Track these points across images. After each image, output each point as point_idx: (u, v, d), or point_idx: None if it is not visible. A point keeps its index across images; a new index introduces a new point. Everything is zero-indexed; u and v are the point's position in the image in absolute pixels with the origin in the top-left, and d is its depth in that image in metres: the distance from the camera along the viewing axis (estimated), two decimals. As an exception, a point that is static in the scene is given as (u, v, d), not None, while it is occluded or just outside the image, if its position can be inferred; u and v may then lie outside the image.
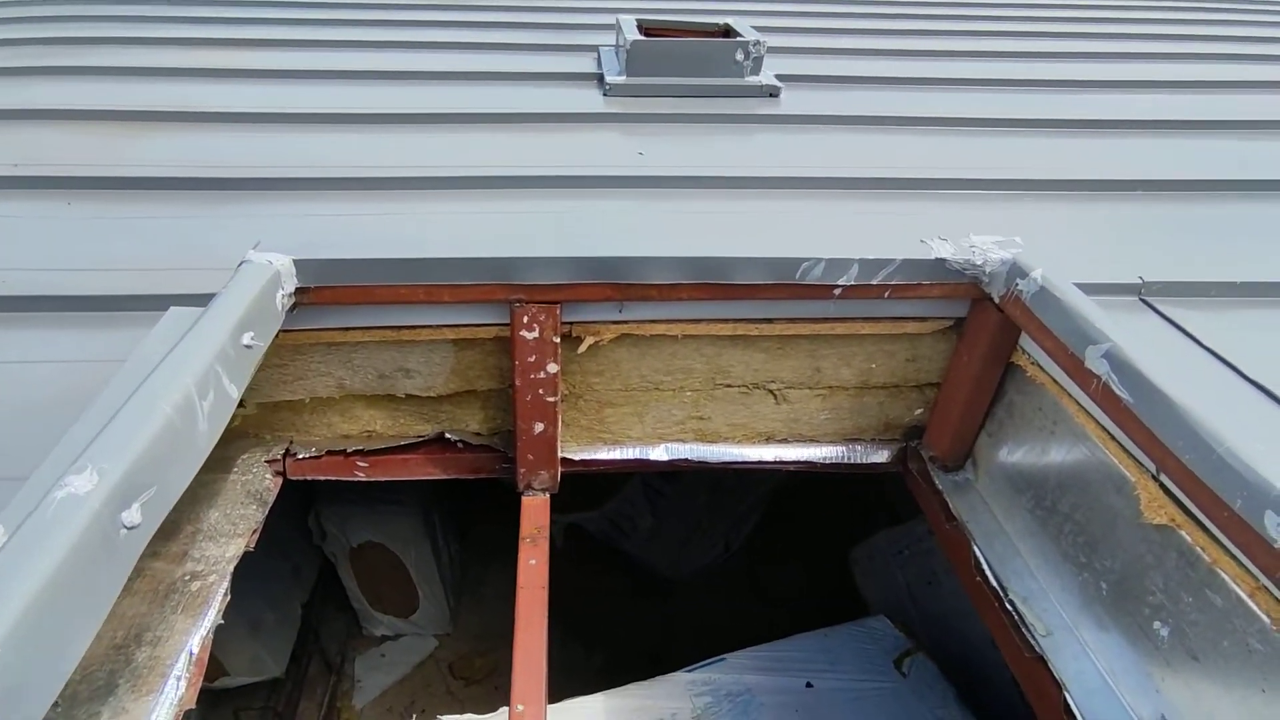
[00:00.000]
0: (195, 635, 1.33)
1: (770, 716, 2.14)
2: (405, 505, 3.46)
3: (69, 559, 0.78)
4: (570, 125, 2.38)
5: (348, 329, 1.53)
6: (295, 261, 1.37)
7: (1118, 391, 1.14)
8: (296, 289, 1.39)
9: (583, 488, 4.03)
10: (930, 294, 1.49)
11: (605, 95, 2.58)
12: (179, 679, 1.26)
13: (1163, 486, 1.18)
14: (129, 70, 2.82)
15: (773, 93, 2.63)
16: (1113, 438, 1.28)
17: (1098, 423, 1.31)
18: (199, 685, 1.29)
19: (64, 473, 0.85)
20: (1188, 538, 1.13)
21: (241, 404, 1.67)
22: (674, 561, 4.18)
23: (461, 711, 3.06)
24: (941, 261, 1.44)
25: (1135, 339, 1.17)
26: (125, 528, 0.87)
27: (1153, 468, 1.19)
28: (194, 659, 1.30)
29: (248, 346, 1.21)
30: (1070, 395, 1.38)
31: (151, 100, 2.49)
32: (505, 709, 2.31)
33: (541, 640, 1.41)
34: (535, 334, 1.47)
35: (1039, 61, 3.36)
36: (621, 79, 2.60)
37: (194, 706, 1.27)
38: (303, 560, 3.65)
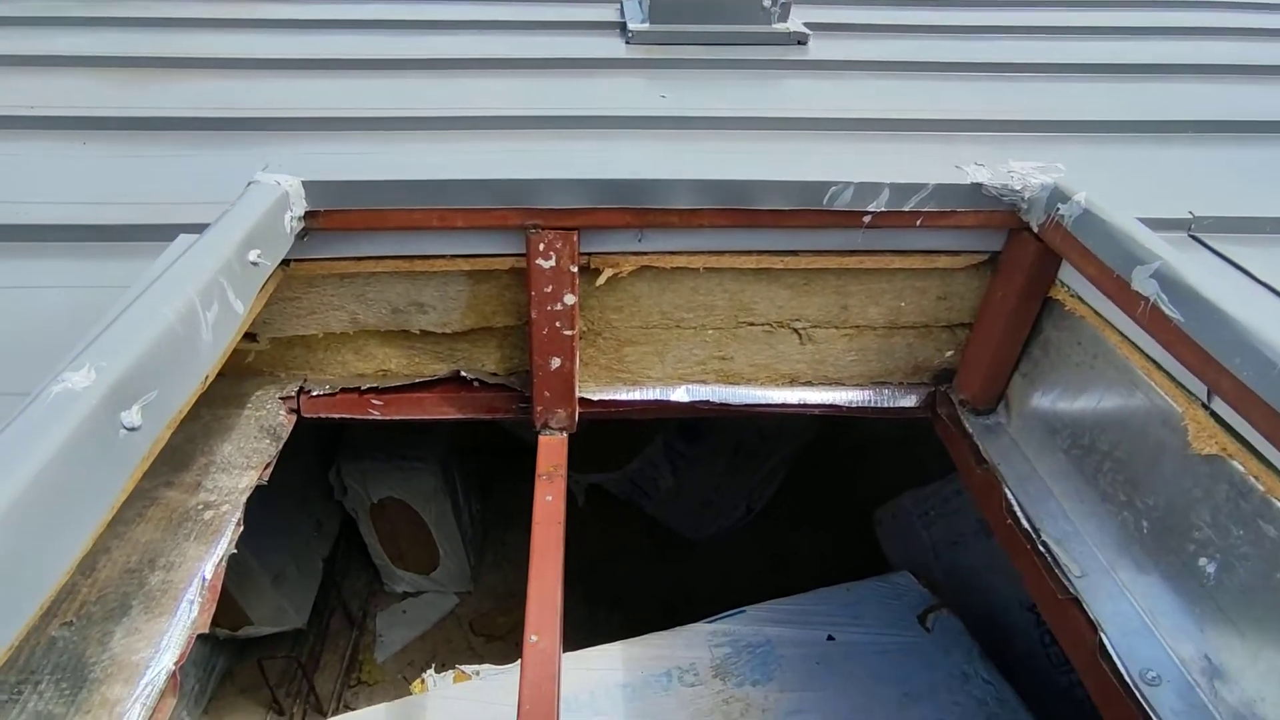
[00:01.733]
0: (208, 562, 1.31)
1: (790, 668, 2.11)
2: (426, 462, 3.46)
3: (65, 452, 0.75)
4: (591, 71, 2.31)
5: (360, 259, 1.49)
6: (305, 184, 1.34)
7: (1168, 312, 1.07)
8: (306, 213, 1.35)
9: (604, 448, 4.02)
10: (965, 223, 1.42)
11: (628, 43, 2.50)
12: (192, 603, 1.25)
13: (1213, 415, 1.11)
14: (146, 21, 2.79)
15: (801, 40, 2.53)
16: (1159, 367, 1.21)
17: (1143, 352, 1.24)
18: (212, 610, 1.28)
19: (61, 370, 0.82)
20: (1240, 467, 1.07)
21: (254, 338, 1.65)
22: (695, 523, 4.16)
23: (482, 664, 3.07)
24: (978, 187, 1.37)
25: (1186, 258, 1.10)
26: (125, 429, 0.84)
27: (1203, 394, 1.12)
28: (207, 584, 1.29)
29: (254, 264, 1.18)
30: (1113, 326, 1.31)
31: (167, 48, 2.46)
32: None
33: (556, 574, 1.38)
34: (552, 263, 1.43)
35: (1079, 10, 3.21)
36: (644, 26, 2.52)
37: (207, 631, 1.26)
38: (325, 516, 3.68)
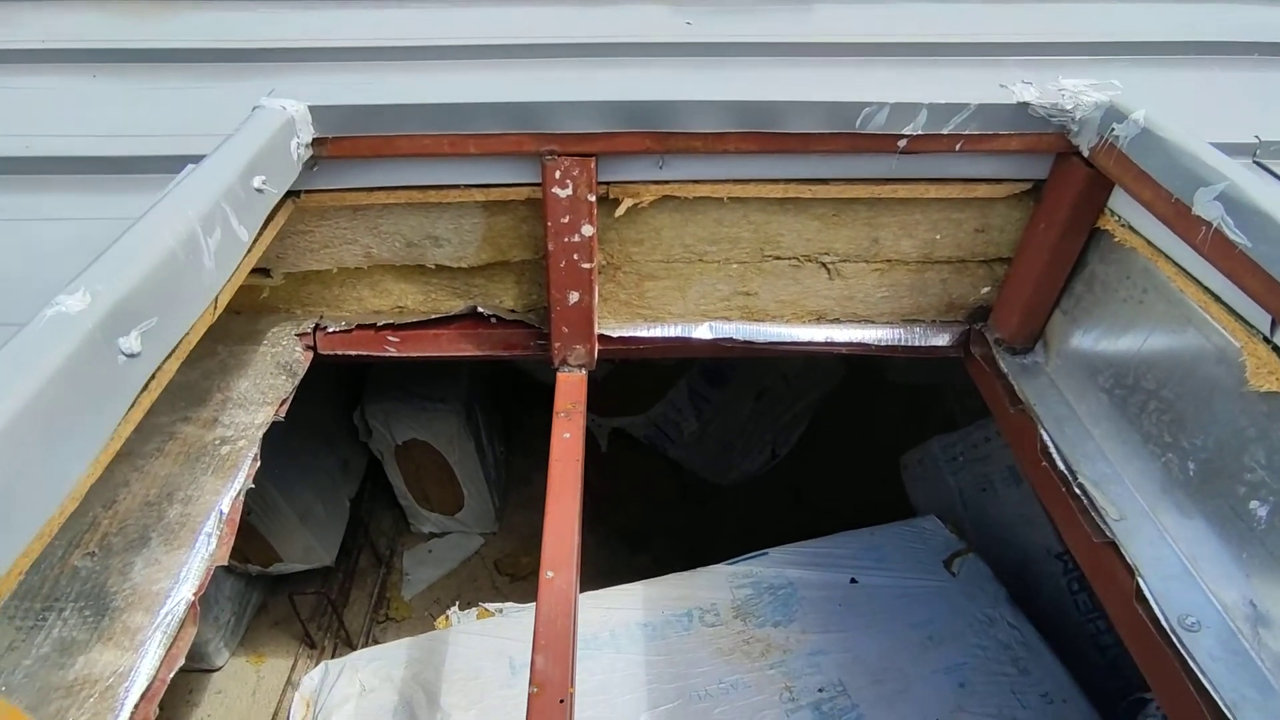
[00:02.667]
0: (225, 496, 1.31)
1: (812, 610, 2.09)
2: (448, 404, 3.47)
3: (61, 376, 0.72)
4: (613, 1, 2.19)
5: (372, 189, 1.45)
6: (311, 109, 1.28)
7: (1232, 236, 0.99)
8: (314, 140, 1.30)
9: (627, 392, 3.99)
10: (1008, 147, 1.33)
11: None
12: (210, 536, 1.25)
13: (1275, 348, 1.04)
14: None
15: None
16: (1217, 299, 1.13)
17: (1200, 284, 1.16)
18: (230, 543, 1.28)
19: (57, 294, 0.79)
20: (1301, 404, 1.00)
21: (268, 274, 1.62)
22: (719, 467, 4.14)
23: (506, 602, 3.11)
24: (1024, 107, 1.27)
25: (1254, 178, 1.01)
26: (124, 354, 0.81)
27: (1266, 326, 1.04)
28: (224, 518, 1.28)
29: (259, 190, 1.14)
30: (1167, 257, 1.22)
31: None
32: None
33: (574, 510, 1.36)
34: (569, 192, 1.37)
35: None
36: (668, -55, 2.38)
37: (225, 564, 1.26)
38: (351, 456, 3.72)
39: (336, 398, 3.63)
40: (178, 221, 0.94)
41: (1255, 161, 1.37)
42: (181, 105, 1.63)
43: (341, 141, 1.31)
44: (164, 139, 1.48)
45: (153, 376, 0.99)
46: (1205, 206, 1.03)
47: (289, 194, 1.43)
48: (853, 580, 2.18)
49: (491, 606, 2.35)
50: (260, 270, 1.61)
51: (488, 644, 1.99)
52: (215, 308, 1.17)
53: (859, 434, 4.25)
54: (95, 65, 1.90)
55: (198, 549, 1.23)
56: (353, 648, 3.42)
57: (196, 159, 1.28)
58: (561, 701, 1.03)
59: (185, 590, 1.18)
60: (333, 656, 3.26)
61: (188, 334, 1.08)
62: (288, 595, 3.31)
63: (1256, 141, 1.37)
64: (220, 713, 3.20)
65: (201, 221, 0.97)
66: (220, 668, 3.30)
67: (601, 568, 3.98)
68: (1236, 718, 1.00)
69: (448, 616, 2.32)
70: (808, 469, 4.20)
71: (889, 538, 2.32)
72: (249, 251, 1.25)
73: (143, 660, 1.07)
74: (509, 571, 3.89)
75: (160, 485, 1.33)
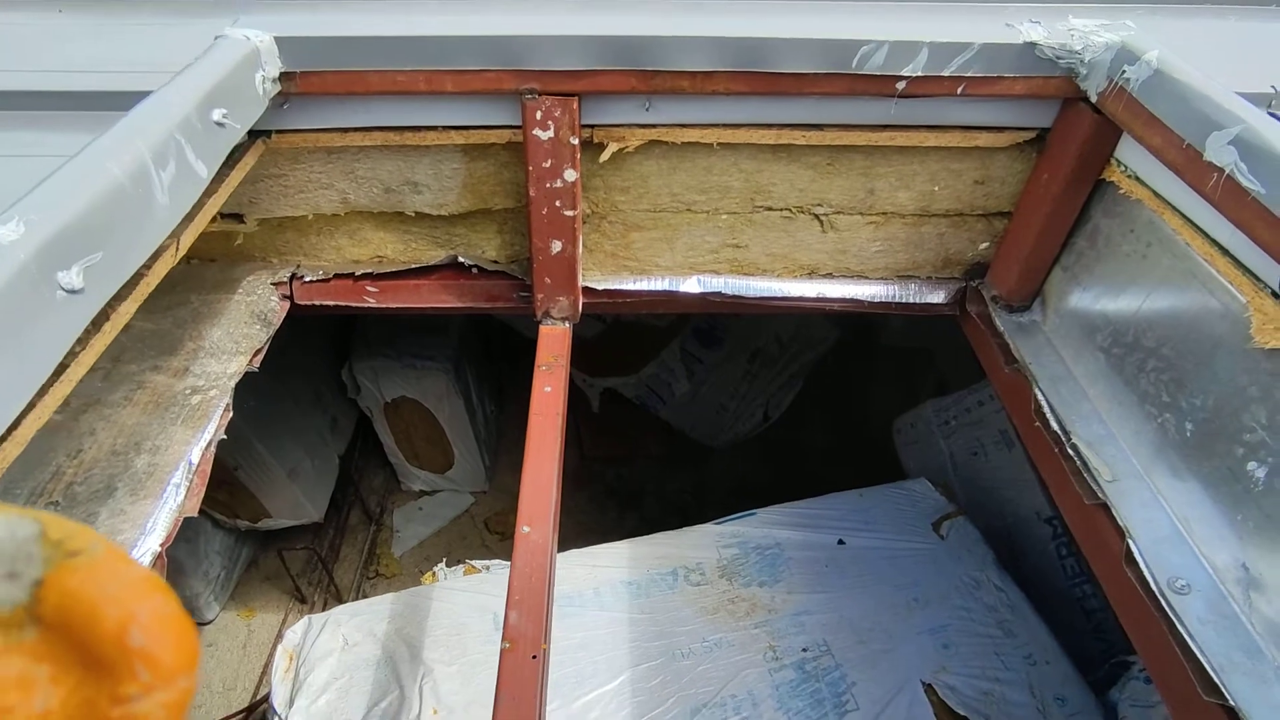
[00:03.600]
0: (195, 446, 1.27)
1: (798, 570, 2.08)
2: (438, 362, 3.42)
3: (-11, 310, 0.68)
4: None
5: (346, 130, 1.38)
6: (278, 40, 1.21)
7: (1244, 183, 0.94)
8: (281, 74, 1.23)
9: (619, 353, 3.95)
10: (1012, 92, 1.26)
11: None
12: (178, 486, 1.21)
13: (1283, 303, 0.99)
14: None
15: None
16: (1225, 252, 1.08)
17: (1206, 236, 1.11)
18: (200, 495, 1.24)
19: (-11, 224, 0.74)
20: (1307, 362, 0.96)
21: (241, 219, 1.56)
22: (711, 428, 4.12)
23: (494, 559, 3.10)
24: (1031, 47, 1.21)
25: (1271, 122, 0.95)
26: (64, 290, 0.76)
27: (1275, 279, 0.99)
28: (194, 469, 1.25)
29: (219, 124, 1.07)
30: (1174, 208, 1.17)
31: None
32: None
33: (553, 465, 1.32)
34: (550, 134, 1.30)
35: None
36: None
37: (195, 515, 1.23)
38: (340, 414, 3.68)
39: (326, 354, 3.59)
40: (125, 152, 0.88)
41: (1270, 113, 1.31)
42: (148, 41, 1.55)
43: (311, 77, 1.24)
44: (127, 74, 1.40)
45: (105, 317, 0.94)
46: (1218, 152, 0.97)
47: (259, 134, 1.37)
48: (840, 541, 2.17)
49: (479, 564, 2.34)
50: (233, 216, 1.55)
51: (472, 599, 1.98)
52: (177, 249, 1.12)
53: (851, 397, 4.22)
54: (61, 0, 1.82)
55: (165, 500, 1.19)
56: (343, 603, 3.43)
57: (160, 94, 1.22)
58: (534, 658, 1.00)
59: (152, 541, 1.14)
60: (325, 603, 3.28)
61: (145, 275, 1.03)
62: (277, 552, 3.31)
63: (1273, 91, 1.31)
64: (211, 665, 3.21)
65: (153, 153, 0.91)
66: (211, 621, 3.31)
67: (590, 526, 3.98)
68: (1224, 682, 0.98)
69: (434, 573, 2.30)
70: (800, 432, 4.18)
71: (878, 499, 2.30)
72: (213, 192, 1.20)
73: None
74: (499, 530, 3.89)
75: (128, 435, 1.28)
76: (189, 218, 1.14)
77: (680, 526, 2.28)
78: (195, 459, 1.26)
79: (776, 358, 4.01)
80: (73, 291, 0.77)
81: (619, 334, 3.77)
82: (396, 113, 1.35)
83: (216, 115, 1.06)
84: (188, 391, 1.37)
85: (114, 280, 0.85)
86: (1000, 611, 2.01)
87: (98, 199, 0.82)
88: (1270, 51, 1.51)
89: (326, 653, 1.86)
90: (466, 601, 1.97)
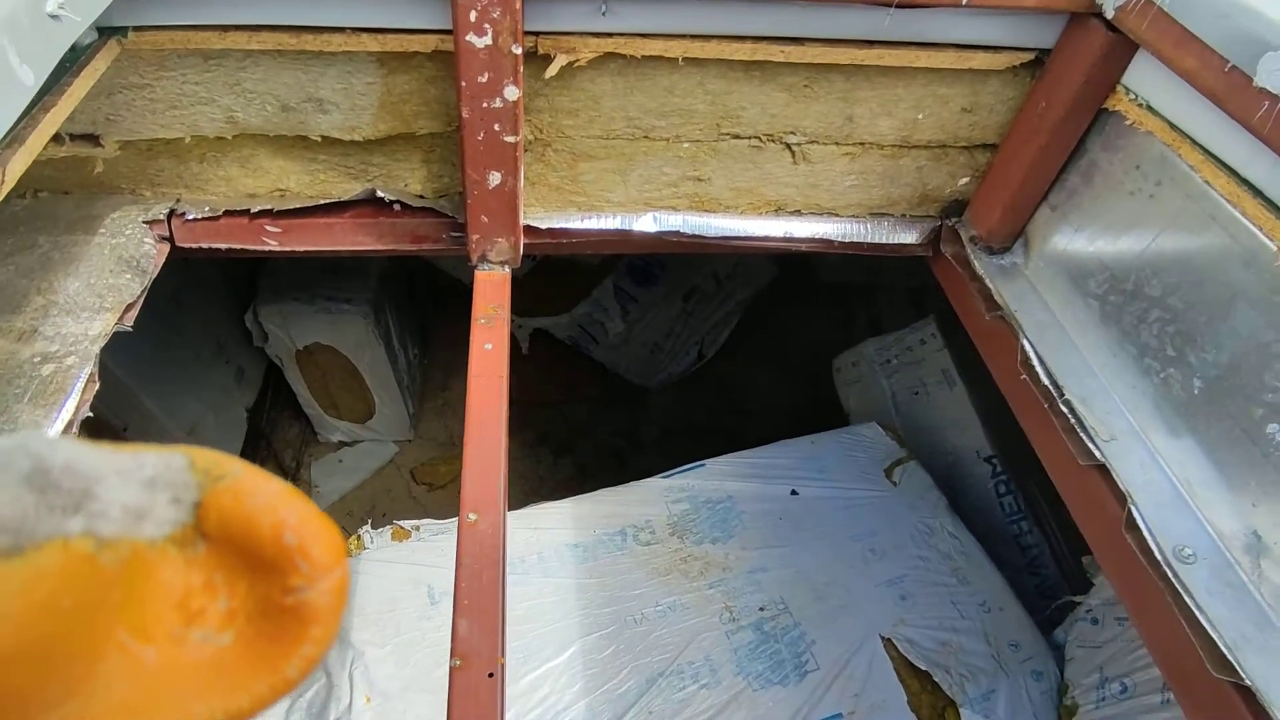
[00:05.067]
0: (49, 429, 1.03)
1: (752, 525, 1.99)
2: (355, 304, 3.13)
3: None
4: None
5: (226, 28, 1.11)
6: (125, -98, 0.93)
7: (1307, 113, 0.82)
8: (133, -52, 0.95)
9: (549, 291, 3.74)
10: (1022, 3, 1.11)
11: None
12: (29, 479, 0.98)
13: (1326, 251, 0.90)
14: None
15: None
16: (1256, 193, 0.97)
17: (1234, 174, 1.00)
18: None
19: None
20: (1352, 317, 0.87)
21: (98, 141, 1.26)
22: (646, 369, 3.99)
23: (423, 516, 2.92)
24: (1049, -51, 1.05)
25: (1333, 43, 0.83)
26: None
27: (1324, 224, 0.89)
28: (50, 456, 1.01)
29: (53, 16, 0.81)
30: (1194, 141, 1.05)
31: None
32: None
33: (498, 438, 1.15)
34: (487, 40, 1.07)
35: None
36: None
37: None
38: (247, 364, 3.36)
39: (228, 298, 3.23)
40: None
41: None
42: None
43: (173, -45, 0.97)
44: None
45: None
46: (1273, 76, 0.85)
47: (112, 31, 1.08)
48: (793, 492, 2.09)
49: (407, 524, 2.16)
50: (86, 137, 1.26)
51: (403, 572, 1.80)
52: (3, 177, 0.86)
53: (787, 334, 4.16)
54: None
55: (13, 496, 0.96)
56: (257, 565, 3.19)
57: None
58: (490, 675, 0.85)
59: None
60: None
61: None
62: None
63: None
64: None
65: (-60, 47, 0.66)
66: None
67: (524, 474, 3.83)
68: (1238, 659, 0.92)
69: (359, 537, 2.11)
70: (736, 370, 4.11)
71: (829, 446, 2.23)
72: (50, 106, 0.93)
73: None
74: (426, 480, 3.69)
75: (-44, 416, 1.03)
76: (16, 139, 0.88)
77: (617, 471, 2.15)
78: (52, 443, 1.02)
79: (713, 295, 3.88)
80: None
81: (549, 271, 3.55)
82: (292, 8, 1.09)
83: (51, 6, 0.79)
84: (36, 360, 1.10)
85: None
86: (955, 559, 1.99)
87: None
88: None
89: (239, 639, 1.66)
90: (397, 575, 1.80)
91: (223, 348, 3.23)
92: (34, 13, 0.81)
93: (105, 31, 1.09)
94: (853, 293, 4.04)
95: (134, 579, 0.28)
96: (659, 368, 4.03)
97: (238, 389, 3.28)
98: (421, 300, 3.98)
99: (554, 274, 3.61)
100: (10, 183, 0.88)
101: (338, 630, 0.31)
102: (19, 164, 0.90)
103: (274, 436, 3.63)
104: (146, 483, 0.28)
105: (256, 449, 3.48)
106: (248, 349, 3.33)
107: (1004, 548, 2.43)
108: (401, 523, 2.13)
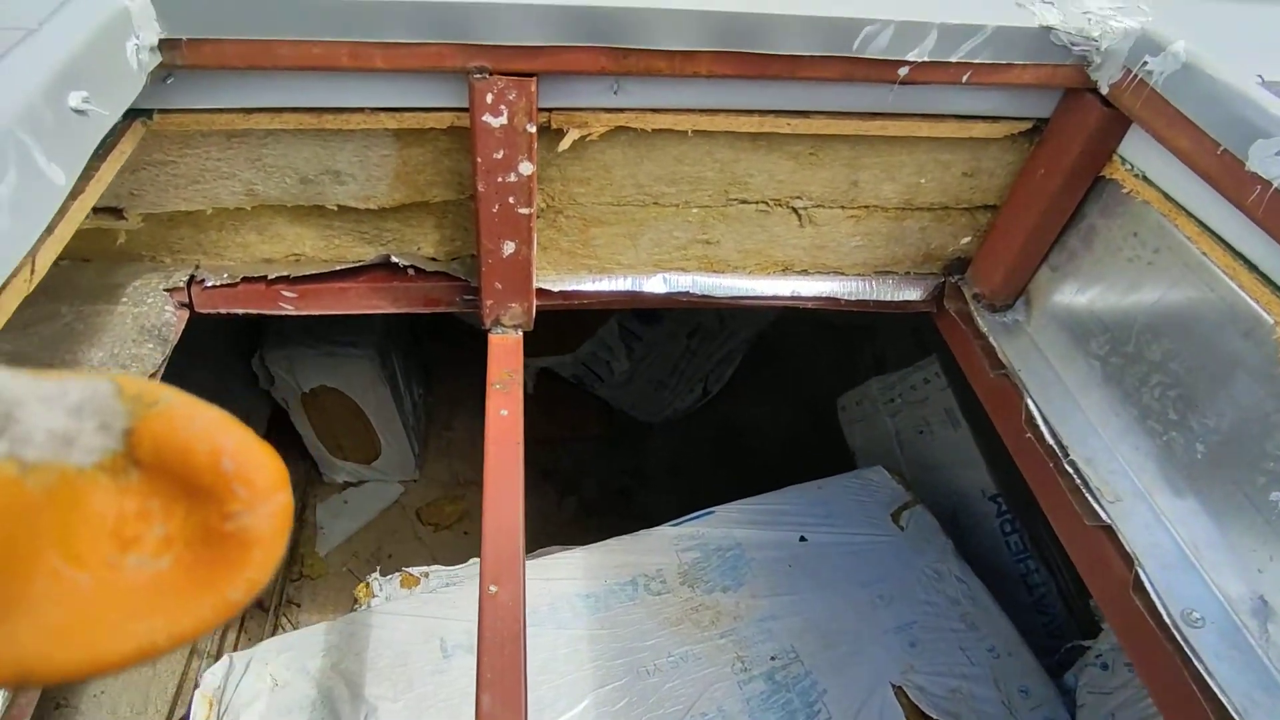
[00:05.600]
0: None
1: (761, 573, 2.00)
2: (360, 348, 3.16)
3: None
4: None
5: (250, 111, 1.14)
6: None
7: (1299, 200, 0.85)
8: (162, 41, 0.99)
9: (555, 331, 3.77)
10: (1019, 80, 1.15)
11: None
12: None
13: (1322, 328, 0.92)
14: None
15: None
16: (1252, 267, 1.00)
17: (1229, 248, 1.03)
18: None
19: None
20: (1350, 392, 0.89)
21: (121, 215, 1.30)
22: (650, 406, 4.01)
23: (430, 558, 2.92)
24: (1046, 31, 1.09)
25: (1322, 130, 0.86)
26: None
27: (1319, 303, 0.92)
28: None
29: (80, 111, 0.84)
30: (1189, 214, 1.09)
31: None
32: (475, 560, 2.15)
33: (516, 505, 1.16)
34: (503, 120, 1.11)
35: None
36: None
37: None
38: (252, 407, 3.38)
39: (232, 345, 3.26)
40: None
41: None
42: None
43: (202, 46, 1.01)
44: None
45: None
46: (1265, 163, 0.88)
47: (135, 113, 1.12)
48: (802, 538, 2.09)
49: (416, 571, 2.16)
50: (110, 210, 1.29)
51: (416, 625, 1.81)
52: (32, 271, 0.89)
53: (791, 370, 4.18)
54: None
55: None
56: (265, 610, 3.18)
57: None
58: (513, 755, 0.86)
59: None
60: (242, 625, 3.02)
61: (-12, 315, 0.81)
62: (185, 558, 3.02)
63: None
64: (118, 686, 2.89)
65: (-16, 162, 0.69)
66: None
67: (530, 513, 3.82)
68: (1249, 725, 0.93)
69: (368, 583, 2.11)
70: (740, 406, 4.13)
71: (836, 491, 2.24)
72: (79, 192, 0.96)
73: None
74: (432, 520, 3.69)
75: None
76: (47, 231, 0.90)
77: (623, 508, 2.15)
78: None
79: (716, 332, 3.91)
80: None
81: (555, 312, 3.58)
82: (314, 91, 1.12)
83: (75, 100, 0.83)
84: (64, 431, 1.13)
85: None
86: (963, 604, 1.99)
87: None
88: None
89: (253, 696, 1.66)
90: (409, 627, 1.80)
91: (225, 394, 3.25)
92: (57, 106, 0.83)
93: (130, 114, 1.12)
94: (856, 328, 4.07)
95: (64, 505, 0.28)
96: (664, 405, 4.05)
97: (244, 432, 3.30)
98: (425, 339, 4.01)
99: (560, 314, 3.64)
100: (40, 274, 0.91)
101: (281, 553, 0.31)
102: (48, 254, 0.93)
103: (279, 477, 3.64)
104: (72, 409, 0.28)
105: (262, 491, 3.49)
106: (251, 392, 3.35)
107: (1011, 586, 2.43)
108: (410, 569, 2.14)
